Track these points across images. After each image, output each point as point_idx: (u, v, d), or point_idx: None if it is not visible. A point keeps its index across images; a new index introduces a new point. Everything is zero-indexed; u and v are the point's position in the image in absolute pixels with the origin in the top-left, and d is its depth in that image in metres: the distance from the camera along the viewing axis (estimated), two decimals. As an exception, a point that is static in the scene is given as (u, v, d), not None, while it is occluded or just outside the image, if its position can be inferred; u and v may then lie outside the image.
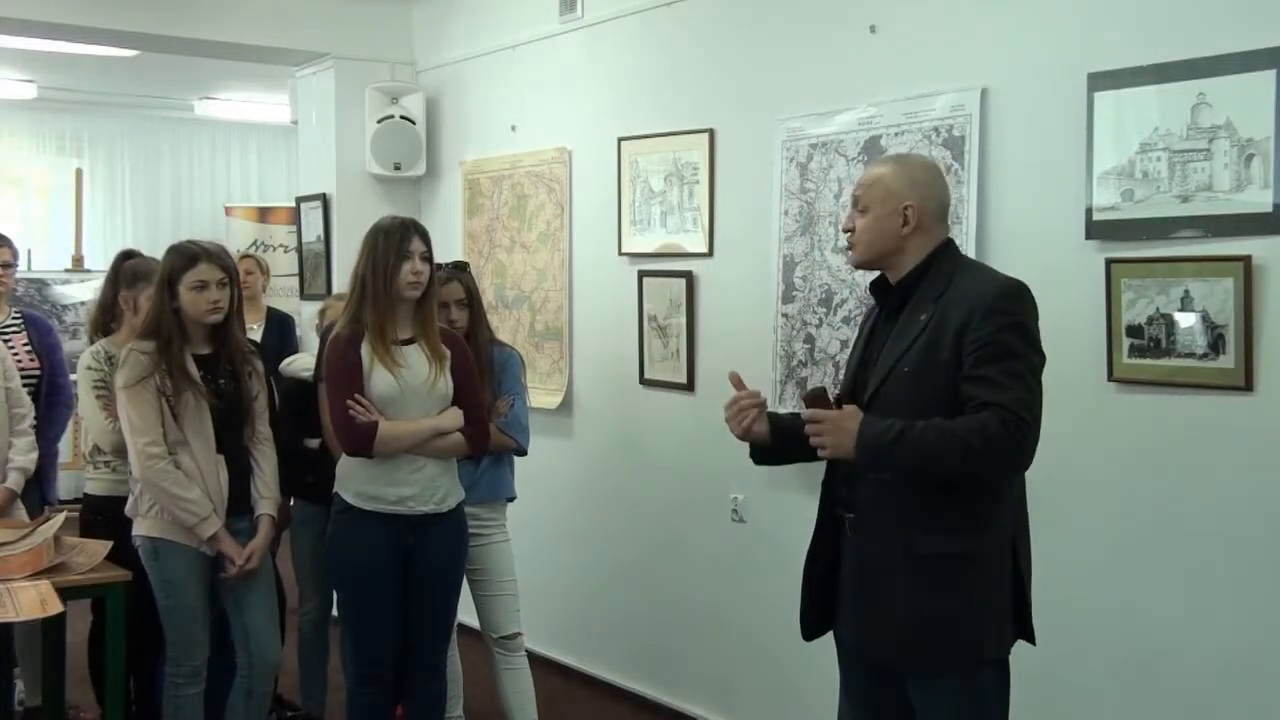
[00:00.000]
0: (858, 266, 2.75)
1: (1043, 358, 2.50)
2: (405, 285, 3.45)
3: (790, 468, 4.17)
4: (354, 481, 3.49)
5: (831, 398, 2.62)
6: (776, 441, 2.75)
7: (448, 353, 3.55)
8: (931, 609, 2.48)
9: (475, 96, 5.77)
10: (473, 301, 3.96)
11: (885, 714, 2.66)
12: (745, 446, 4.25)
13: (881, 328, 2.66)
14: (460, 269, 4.03)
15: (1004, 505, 2.53)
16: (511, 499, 4.10)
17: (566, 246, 5.18)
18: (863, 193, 2.64)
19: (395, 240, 3.46)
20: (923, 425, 2.40)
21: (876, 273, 2.70)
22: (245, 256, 5.76)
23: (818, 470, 4.06)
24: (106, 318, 4.12)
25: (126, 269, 4.08)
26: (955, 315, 2.46)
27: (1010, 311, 2.45)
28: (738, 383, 2.74)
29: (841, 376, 2.96)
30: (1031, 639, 2.61)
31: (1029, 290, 2.51)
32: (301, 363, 4.37)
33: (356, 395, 3.41)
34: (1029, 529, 2.61)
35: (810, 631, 2.80)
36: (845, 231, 2.70)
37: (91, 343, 4.12)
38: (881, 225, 2.60)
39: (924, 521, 2.49)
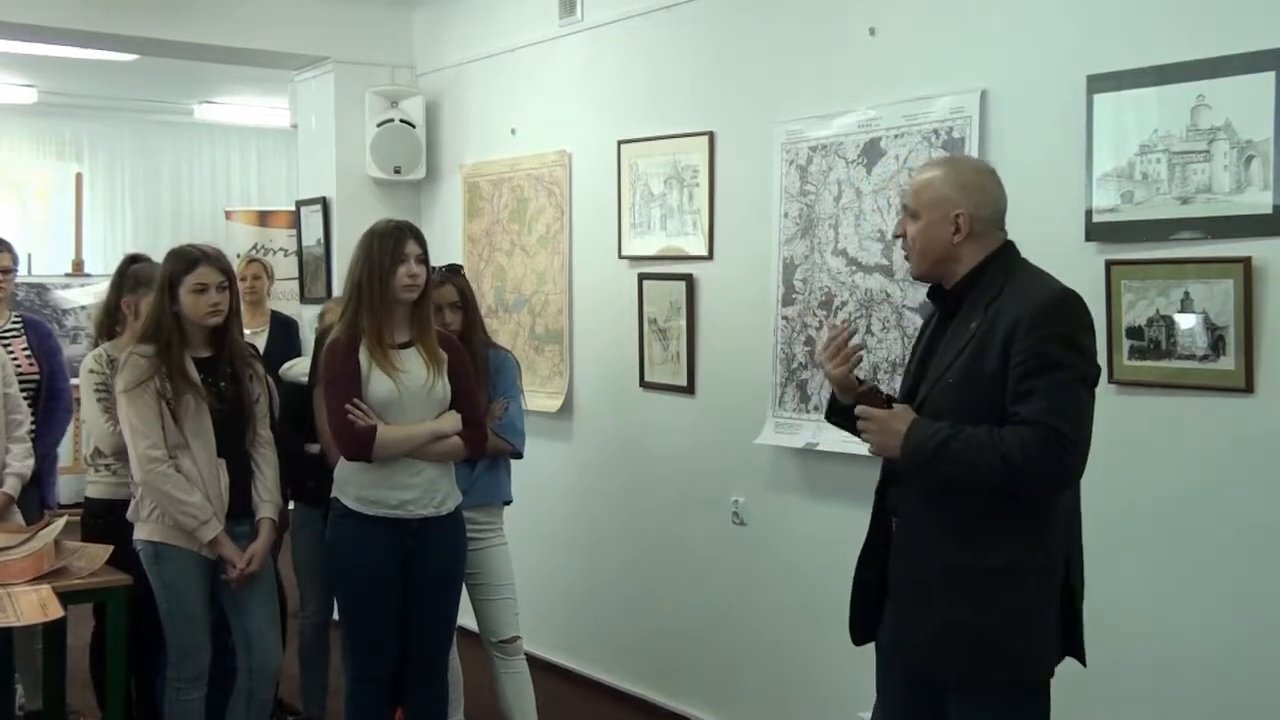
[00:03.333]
0: (917, 278, 2.66)
1: (1096, 369, 2.43)
2: (401, 288, 3.45)
3: (791, 469, 4.19)
4: (354, 486, 3.49)
5: (884, 396, 2.59)
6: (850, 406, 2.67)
7: (445, 356, 3.55)
8: (967, 623, 2.41)
9: (475, 100, 5.77)
10: (467, 305, 3.96)
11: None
12: (746, 449, 4.30)
13: (938, 334, 2.59)
14: (454, 272, 4.03)
15: (1054, 518, 2.44)
16: (508, 503, 4.09)
17: (566, 249, 5.18)
18: (912, 198, 2.56)
19: (390, 243, 3.46)
20: (968, 434, 2.36)
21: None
22: (252, 261, 5.75)
23: (818, 473, 4.09)
24: (111, 321, 4.12)
25: (130, 274, 4.09)
26: (1003, 325, 2.39)
27: (1057, 322, 2.37)
28: (834, 328, 2.70)
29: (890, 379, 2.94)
30: (1082, 658, 2.53)
31: (1080, 299, 2.44)
32: (301, 367, 4.37)
33: (355, 400, 3.41)
34: (1082, 542, 2.52)
35: (859, 636, 2.72)
36: (897, 238, 2.62)
37: (96, 345, 4.13)
38: (933, 232, 2.52)
39: (966, 531, 2.42)
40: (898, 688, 2.65)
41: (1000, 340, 2.39)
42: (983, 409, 2.39)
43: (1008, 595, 2.41)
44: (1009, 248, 2.55)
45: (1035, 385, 2.33)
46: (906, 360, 2.80)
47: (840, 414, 2.73)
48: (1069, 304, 2.42)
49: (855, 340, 2.65)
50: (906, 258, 2.62)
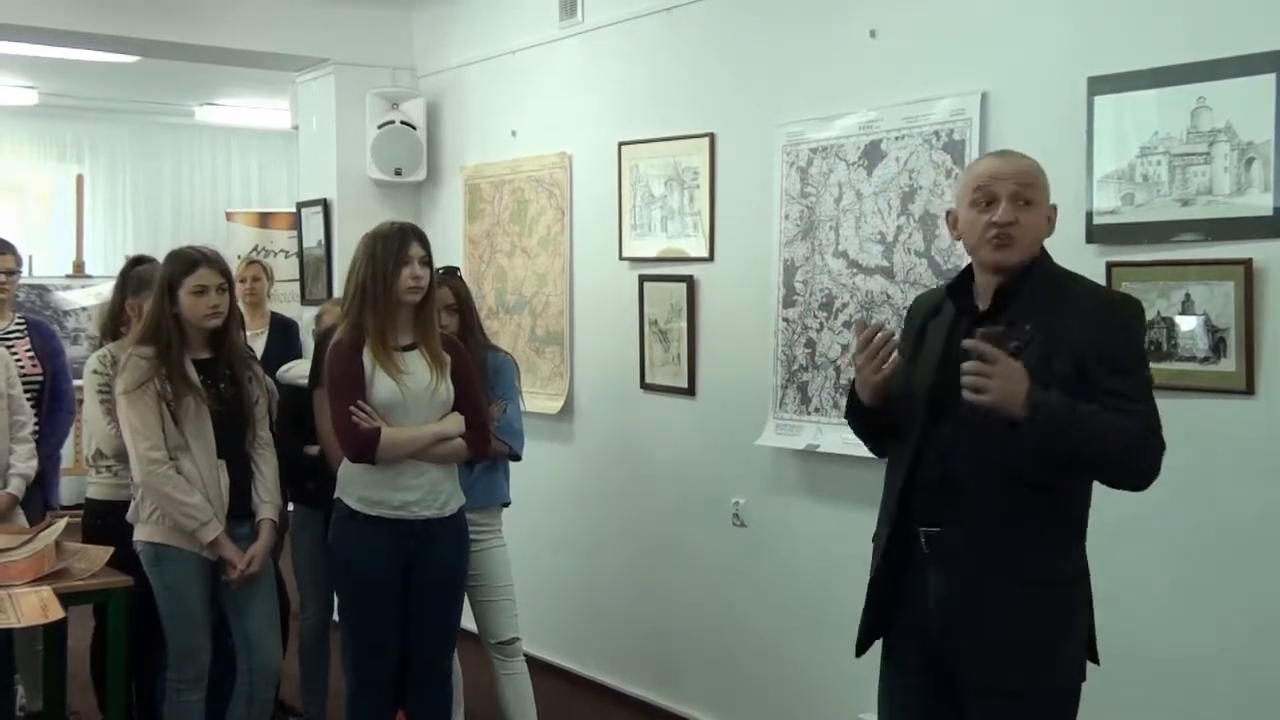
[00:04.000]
0: (1009, 269, 2.46)
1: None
2: (405, 290, 3.46)
3: (791, 471, 4.19)
4: (357, 487, 3.49)
5: (1013, 346, 2.33)
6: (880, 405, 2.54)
7: (448, 358, 3.56)
8: (1037, 634, 2.40)
9: (476, 101, 5.77)
10: (463, 307, 3.96)
11: None
12: (746, 451, 4.30)
13: (961, 335, 2.43)
14: (450, 274, 4.03)
15: (1086, 525, 2.48)
16: (506, 504, 4.09)
17: (567, 251, 5.19)
18: (1026, 186, 2.44)
19: (394, 246, 3.46)
20: (1089, 406, 2.30)
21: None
22: (252, 262, 5.75)
23: (819, 475, 4.08)
24: (115, 323, 4.13)
25: (133, 276, 4.09)
26: (1076, 328, 2.35)
27: (1132, 327, 2.41)
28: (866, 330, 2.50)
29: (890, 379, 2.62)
30: (1096, 659, 2.54)
31: (1140, 302, 2.49)
32: (299, 369, 4.36)
33: (359, 401, 3.42)
34: None
35: (864, 648, 2.65)
36: (1007, 224, 2.41)
37: (100, 346, 4.14)
38: (1040, 224, 2.46)
39: (1035, 541, 2.39)
40: (908, 686, 2.59)
41: (1072, 344, 2.34)
42: None
43: (1067, 604, 2.42)
44: (1044, 249, 2.52)
45: (1124, 386, 2.33)
46: (917, 357, 2.61)
47: (859, 415, 2.62)
48: (1137, 308, 2.47)
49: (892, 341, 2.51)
50: (1003, 243, 2.42)
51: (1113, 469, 2.36)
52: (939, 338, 2.56)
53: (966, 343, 2.32)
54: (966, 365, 2.29)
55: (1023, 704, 2.43)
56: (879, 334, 2.48)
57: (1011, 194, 2.43)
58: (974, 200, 2.46)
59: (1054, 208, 2.50)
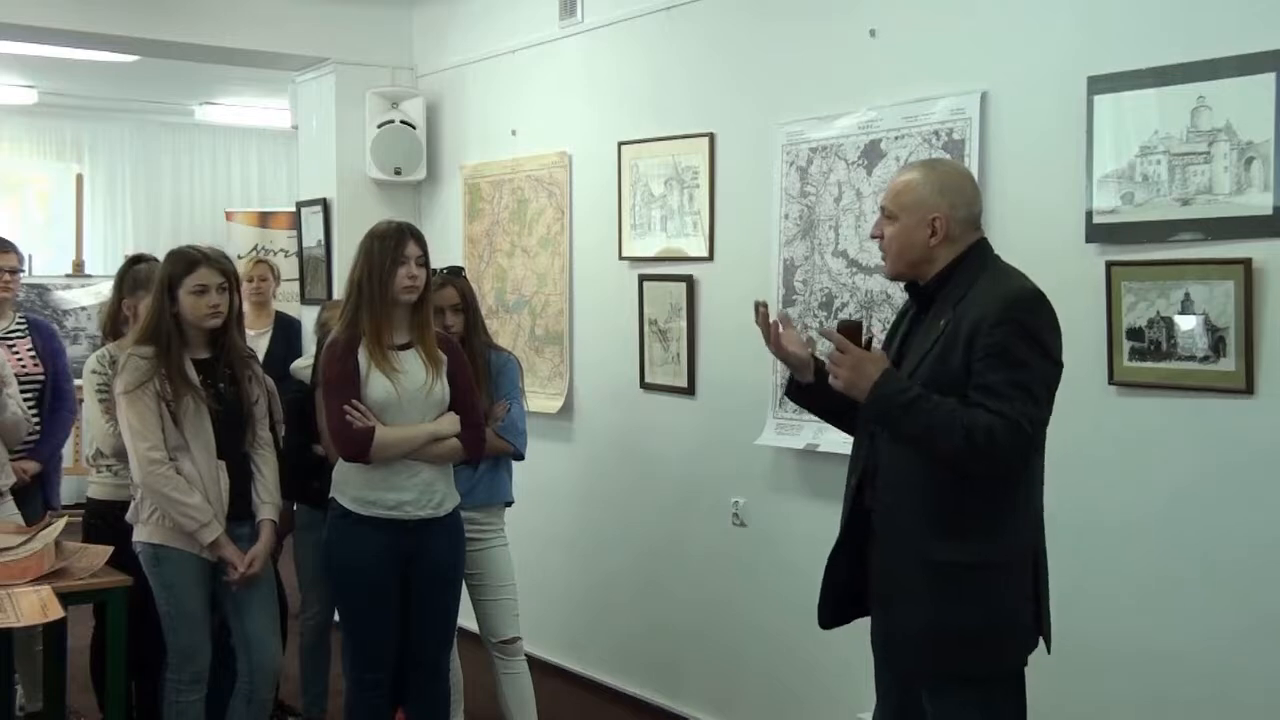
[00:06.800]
0: (891, 278, 2.70)
1: (1057, 366, 2.48)
2: (401, 290, 3.46)
3: (793, 470, 4.19)
4: (351, 486, 3.49)
5: (864, 337, 2.56)
6: (819, 382, 2.69)
7: (444, 358, 3.56)
8: (950, 622, 2.46)
9: (475, 101, 5.77)
10: (468, 307, 3.96)
11: (908, 713, 2.64)
12: (746, 450, 4.30)
13: (913, 329, 2.63)
14: (455, 274, 4.03)
15: (1024, 513, 2.51)
16: (509, 503, 4.09)
17: (567, 251, 5.19)
18: (890, 201, 2.60)
19: (390, 245, 3.46)
20: (938, 400, 2.40)
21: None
22: (259, 261, 5.75)
23: (818, 474, 4.09)
24: (115, 322, 4.13)
25: (130, 276, 4.09)
26: (968, 322, 2.44)
27: (1020, 320, 2.42)
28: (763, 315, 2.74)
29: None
30: (1048, 647, 2.60)
31: (1044, 297, 2.48)
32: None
33: (353, 400, 3.42)
34: (1045, 536, 2.59)
35: (827, 620, 2.75)
36: (873, 238, 2.66)
37: (102, 346, 4.14)
38: (909, 235, 2.55)
39: (941, 527, 2.46)
40: (888, 676, 2.70)
41: (965, 337, 2.44)
42: None
43: (985, 591, 2.46)
44: (981, 245, 2.60)
45: (996, 381, 2.39)
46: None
47: (799, 393, 2.78)
48: (1032, 301, 2.47)
49: (774, 315, 2.70)
50: (883, 258, 2.67)
51: (947, 461, 2.42)
52: (898, 333, 2.70)
53: (819, 330, 2.46)
54: (829, 355, 2.50)
55: (939, 691, 2.51)
56: (762, 315, 2.69)
57: (881, 209, 2.63)
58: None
59: (935, 218, 2.54)
